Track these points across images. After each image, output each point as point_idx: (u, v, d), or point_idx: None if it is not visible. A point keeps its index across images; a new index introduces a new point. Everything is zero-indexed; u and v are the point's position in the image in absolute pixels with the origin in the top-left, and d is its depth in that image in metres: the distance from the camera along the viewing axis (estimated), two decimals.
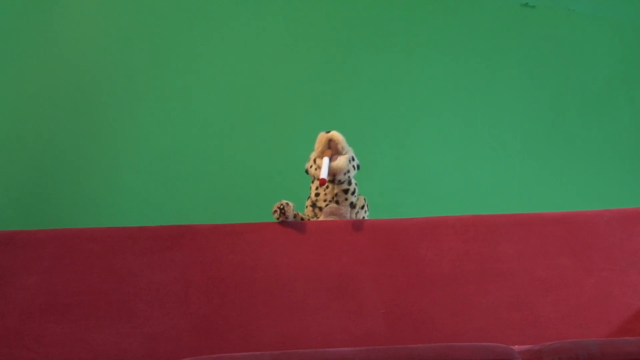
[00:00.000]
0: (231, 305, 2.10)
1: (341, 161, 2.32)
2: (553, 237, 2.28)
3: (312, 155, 2.40)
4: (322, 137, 2.35)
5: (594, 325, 2.11)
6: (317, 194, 2.37)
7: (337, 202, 2.36)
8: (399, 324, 2.11)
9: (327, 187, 2.34)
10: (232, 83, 3.04)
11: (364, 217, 2.41)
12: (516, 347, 1.76)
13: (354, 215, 2.38)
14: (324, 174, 2.25)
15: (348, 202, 2.37)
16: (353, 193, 2.38)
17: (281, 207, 2.26)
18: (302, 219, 2.33)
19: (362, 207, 2.40)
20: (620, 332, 2.10)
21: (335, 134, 2.34)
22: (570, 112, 3.39)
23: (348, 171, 2.34)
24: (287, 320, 2.09)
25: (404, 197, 3.10)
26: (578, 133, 3.36)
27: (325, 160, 2.29)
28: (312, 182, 2.40)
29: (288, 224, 2.30)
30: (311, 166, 2.38)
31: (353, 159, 2.38)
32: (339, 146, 2.33)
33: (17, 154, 2.76)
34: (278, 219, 2.27)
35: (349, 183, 2.36)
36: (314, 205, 2.39)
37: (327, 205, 2.35)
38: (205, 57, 3.03)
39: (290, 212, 2.27)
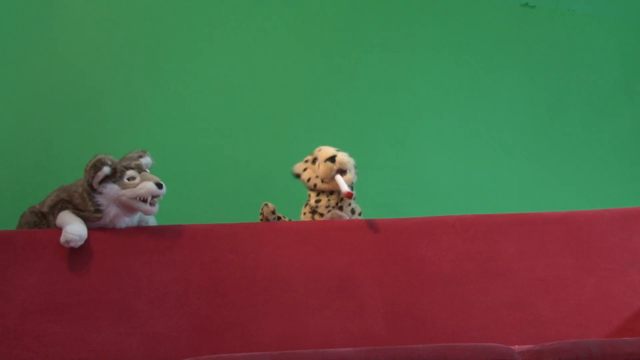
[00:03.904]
0: (231, 305, 2.10)
1: (350, 175, 2.34)
2: (553, 236, 2.28)
3: (310, 173, 2.38)
4: (329, 168, 2.33)
5: (594, 325, 2.11)
6: (318, 201, 2.38)
7: (340, 208, 2.37)
8: (399, 324, 2.11)
9: (332, 193, 2.36)
10: (232, 83, 3.04)
11: None
12: (516, 347, 1.76)
13: None
14: (347, 187, 2.27)
15: (350, 208, 2.39)
16: (354, 199, 2.40)
17: (260, 209, 2.31)
18: (279, 217, 2.34)
19: (360, 214, 2.43)
20: (620, 332, 2.10)
21: (339, 161, 2.32)
22: (570, 112, 3.38)
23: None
24: (287, 320, 2.09)
25: (404, 197, 3.09)
26: (578, 133, 3.36)
27: (339, 177, 2.31)
28: (313, 190, 2.40)
29: (288, 224, 2.30)
30: (315, 185, 2.37)
31: (355, 167, 2.40)
32: (348, 168, 2.34)
33: (17, 154, 2.76)
34: (261, 220, 2.32)
35: (352, 189, 2.38)
36: (313, 212, 2.39)
37: (329, 211, 2.36)
38: (205, 58, 3.03)
39: (267, 213, 2.30)
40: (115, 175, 2.14)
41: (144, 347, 2.01)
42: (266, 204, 2.30)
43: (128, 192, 2.13)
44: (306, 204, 2.43)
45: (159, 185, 2.15)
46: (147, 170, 2.23)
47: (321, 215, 2.37)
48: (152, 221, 2.32)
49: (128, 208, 2.16)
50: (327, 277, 2.17)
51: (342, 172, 2.33)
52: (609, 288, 2.18)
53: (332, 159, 2.34)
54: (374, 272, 2.19)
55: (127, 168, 2.17)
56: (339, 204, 2.37)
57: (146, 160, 2.26)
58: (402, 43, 3.26)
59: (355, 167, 2.41)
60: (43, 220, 2.22)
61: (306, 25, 3.17)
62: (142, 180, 2.15)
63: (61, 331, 2.01)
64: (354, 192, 2.32)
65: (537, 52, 3.40)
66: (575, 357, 1.54)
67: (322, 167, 2.35)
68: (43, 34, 2.86)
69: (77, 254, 2.12)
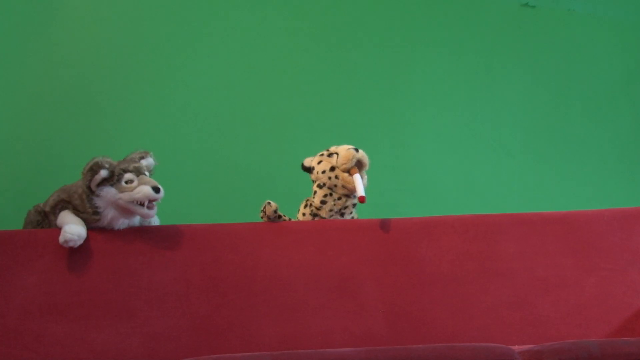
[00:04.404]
0: (231, 305, 2.10)
1: (366, 181, 2.33)
2: (553, 236, 2.28)
3: (326, 165, 2.36)
4: (351, 154, 2.30)
5: (594, 325, 2.12)
6: (323, 202, 2.35)
7: (342, 215, 2.36)
8: (399, 324, 2.11)
9: (340, 198, 2.34)
10: (232, 82, 3.04)
11: None
12: (516, 347, 1.76)
13: None
14: (363, 191, 2.24)
15: (351, 216, 2.38)
16: (355, 207, 2.40)
17: (263, 207, 2.28)
18: (279, 216, 2.32)
19: None
20: (620, 332, 2.10)
21: (365, 155, 2.34)
22: (570, 112, 3.39)
23: None
24: (287, 320, 2.09)
25: (404, 197, 3.10)
26: (578, 133, 3.36)
27: (358, 177, 2.28)
28: (321, 187, 2.36)
29: (288, 224, 2.30)
30: (329, 177, 2.33)
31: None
32: (365, 168, 2.34)
33: (17, 154, 2.76)
34: (262, 218, 2.30)
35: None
36: (315, 215, 2.36)
37: (331, 216, 2.35)
38: (205, 58, 3.03)
39: (270, 211, 2.27)
40: (112, 179, 2.14)
41: (144, 347, 2.01)
42: (269, 203, 2.28)
43: (125, 196, 2.13)
44: (308, 204, 2.40)
45: (156, 190, 2.14)
46: (147, 173, 2.22)
47: (322, 218, 2.36)
48: (155, 220, 2.32)
49: (126, 211, 2.16)
50: (327, 277, 2.17)
51: (360, 165, 2.32)
52: (609, 288, 2.18)
53: (355, 149, 2.33)
54: (374, 272, 2.19)
55: (125, 171, 2.16)
56: (342, 211, 2.36)
57: (148, 161, 2.26)
58: (402, 43, 3.26)
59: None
60: (46, 219, 2.23)
61: (306, 25, 3.17)
62: (140, 184, 2.14)
63: (61, 331, 2.01)
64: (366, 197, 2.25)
65: (537, 52, 3.40)
66: (575, 357, 1.54)
67: (343, 153, 2.31)
68: (43, 34, 2.86)
69: (77, 254, 2.13)
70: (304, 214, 2.39)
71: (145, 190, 2.13)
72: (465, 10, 3.36)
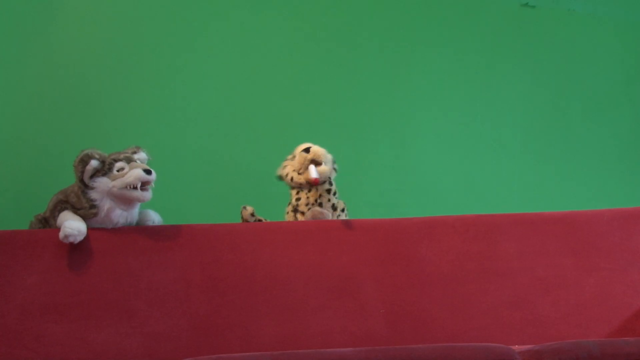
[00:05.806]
0: (231, 305, 2.11)
1: (325, 167, 2.36)
2: (553, 236, 2.28)
3: (289, 168, 2.41)
4: (303, 158, 2.37)
5: (594, 325, 2.12)
6: (298, 199, 2.40)
7: (320, 205, 2.37)
8: (399, 324, 2.11)
9: (310, 190, 2.38)
10: (232, 82, 3.04)
11: None
12: (516, 347, 1.76)
13: (335, 218, 2.39)
14: (315, 174, 2.30)
15: (330, 204, 2.38)
16: (334, 194, 2.40)
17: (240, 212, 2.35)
18: (259, 220, 2.36)
19: (343, 210, 2.42)
20: (620, 332, 2.10)
21: (314, 152, 2.37)
22: (570, 112, 3.38)
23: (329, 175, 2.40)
24: (287, 320, 2.09)
25: (404, 197, 3.09)
26: (578, 133, 3.36)
27: (312, 166, 2.34)
28: (292, 188, 2.43)
29: (288, 224, 2.31)
30: (292, 178, 2.39)
31: (334, 162, 2.44)
32: (321, 159, 2.37)
33: (17, 154, 2.76)
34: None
35: (330, 183, 2.40)
36: (295, 210, 2.40)
37: (309, 209, 2.36)
38: (205, 59, 3.03)
39: (246, 215, 2.34)
40: (104, 169, 2.16)
41: (144, 347, 2.01)
42: (244, 207, 2.34)
43: (118, 183, 2.14)
44: (289, 203, 2.44)
45: (148, 172, 2.16)
46: (137, 162, 2.23)
47: (302, 213, 2.37)
48: (157, 220, 2.31)
49: (121, 199, 2.17)
50: (327, 277, 2.18)
51: (316, 163, 2.35)
52: (609, 288, 2.18)
53: (306, 149, 2.38)
54: (374, 272, 2.20)
55: (116, 160, 2.19)
56: (318, 201, 2.38)
57: (140, 156, 2.27)
58: (402, 43, 3.26)
59: (335, 163, 2.43)
60: (46, 225, 2.23)
61: (306, 26, 3.17)
62: (131, 169, 2.16)
63: (61, 331, 2.01)
64: (320, 179, 2.31)
65: (537, 52, 3.40)
66: (575, 357, 1.54)
67: (297, 158, 2.39)
68: (43, 34, 2.86)
69: (77, 254, 2.13)
70: (287, 213, 2.43)
71: (136, 173, 2.15)
72: (465, 10, 3.36)
